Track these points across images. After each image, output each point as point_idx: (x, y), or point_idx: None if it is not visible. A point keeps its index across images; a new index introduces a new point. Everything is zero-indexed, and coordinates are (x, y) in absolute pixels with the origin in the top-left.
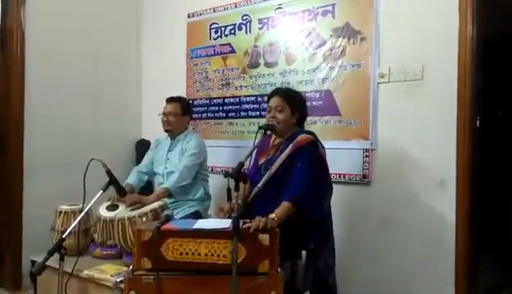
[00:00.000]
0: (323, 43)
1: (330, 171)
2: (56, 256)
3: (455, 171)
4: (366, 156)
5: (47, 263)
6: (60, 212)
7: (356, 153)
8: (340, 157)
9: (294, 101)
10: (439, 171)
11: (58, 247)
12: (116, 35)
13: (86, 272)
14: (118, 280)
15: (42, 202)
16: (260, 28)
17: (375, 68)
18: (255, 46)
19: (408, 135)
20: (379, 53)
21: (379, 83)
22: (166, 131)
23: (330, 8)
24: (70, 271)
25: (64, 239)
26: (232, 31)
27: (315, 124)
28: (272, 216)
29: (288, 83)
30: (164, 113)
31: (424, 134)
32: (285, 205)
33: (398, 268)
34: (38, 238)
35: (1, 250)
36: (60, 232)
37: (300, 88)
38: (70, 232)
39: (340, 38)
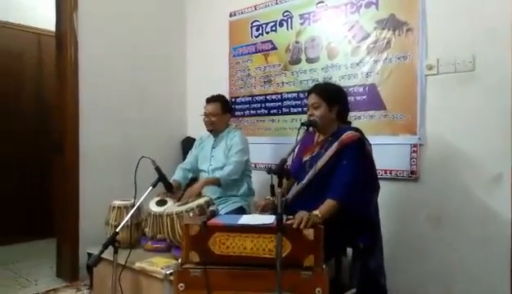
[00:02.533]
0: (367, 36)
1: (377, 167)
2: (111, 248)
3: None
4: (414, 151)
5: (102, 255)
6: (114, 207)
7: (403, 149)
8: (386, 152)
9: (330, 96)
10: (495, 165)
11: (112, 241)
12: (162, 36)
13: (138, 264)
14: (167, 273)
15: (96, 198)
16: (301, 24)
17: (422, 59)
18: (296, 42)
19: (460, 128)
20: (427, 44)
21: (427, 75)
22: (209, 130)
23: (373, 0)
24: (123, 263)
25: (117, 233)
26: (273, 28)
27: (359, 119)
28: (316, 212)
29: (330, 78)
30: (206, 114)
31: (477, 126)
32: (329, 202)
33: (448, 266)
34: (94, 231)
35: (59, 243)
36: (113, 226)
37: (343, 83)
38: (123, 226)
39: (385, 30)
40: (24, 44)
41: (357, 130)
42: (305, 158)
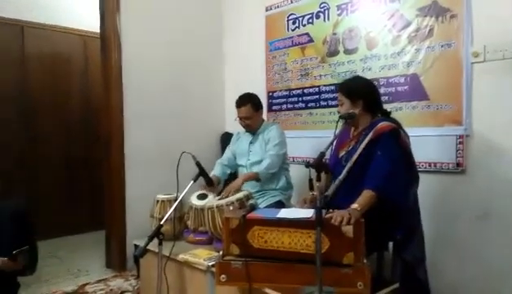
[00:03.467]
0: (408, 24)
1: (419, 160)
2: (155, 240)
3: None
4: (460, 142)
5: (147, 247)
6: (158, 201)
7: (448, 140)
8: (430, 144)
9: (351, 91)
10: None
11: (157, 233)
12: (200, 34)
13: (181, 256)
14: (210, 264)
15: (141, 192)
16: (339, 15)
17: (467, 47)
18: (334, 34)
19: (509, 119)
20: (472, 31)
21: (472, 63)
22: (248, 131)
23: None
24: (168, 255)
25: (162, 226)
26: (310, 20)
27: (400, 110)
28: (355, 205)
29: (369, 69)
30: (241, 118)
31: None
32: (366, 193)
33: (495, 265)
34: (140, 224)
35: (108, 235)
36: (158, 219)
37: (383, 74)
38: (167, 219)
39: (427, 18)
40: (71, 46)
41: (393, 120)
42: (341, 154)
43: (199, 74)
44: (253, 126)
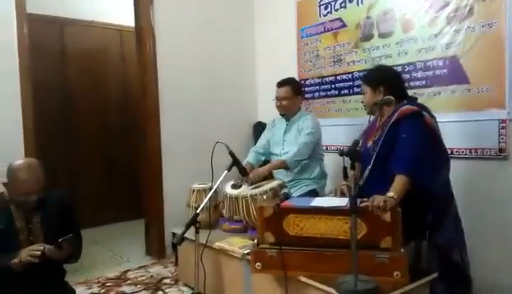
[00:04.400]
0: (446, 5)
1: (460, 146)
2: (192, 229)
3: None
4: (503, 127)
5: (185, 235)
6: (194, 190)
7: (490, 125)
8: (471, 129)
9: (371, 79)
10: None
11: (193, 221)
12: (231, 23)
13: (217, 244)
14: (245, 252)
15: (177, 181)
16: None
17: (510, 27)
18: (368, 18)
19: None
20: None
21: None
22: (281, 114)
23: None
24: (204, 243)
25: (198, 214)
26: (343, 4)
27: (439, 95)
28: (390, 193)
29: (406, 53)
30: (277, 98)
31: None
32: (399, 179)
33: None
34: (176, 213)
35: (147, 224)
36: (194, 208)
37: (420, 57)
38: (203, 208)
39: None
40: (108, 41)
41: (417, 105)
42: (369, 144)
43: (230, 64)
44: (288, 110)
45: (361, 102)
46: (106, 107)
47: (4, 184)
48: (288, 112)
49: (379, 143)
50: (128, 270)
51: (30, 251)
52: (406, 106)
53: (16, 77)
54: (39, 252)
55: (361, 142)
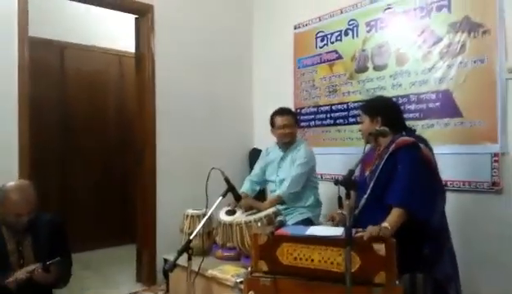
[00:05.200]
0: (439, 40)
1: (452, 178)
2: (185, 255)
3: None
4: (495, 161)
5: (176, 261)
6: (187, 216)
7: (482, 158)
8: (464, 162)
9: (369, 108)
10: None
11: (186, 248)
12: (230, 51)
13: (210, 271)
14: (238, 281)
15: (171, 206)
16: (368, 31)
17: (501, 62)
18: (363, 50)
19: None
20: (506, 46)
21: (507, 79)
22: (285, 142)
23: (445, 2)
24: (197, 270)
25: (191, 241)
26: (339, 37)
27: (432, 127)
28: (385, 224)
29: (399, 86)
30: (284, 126)
31: None
32: (395, 211)
33: None
34: (169, 238)
35: (139, 249)
36: (187, 234)
37: (413, 90)
38: (196, 234)
39: (459, 33)
40: (108, 65)
41: (414, 136)
42: (366, 173)
43: (228, 90)
44: (292, 139)
45: (359, 131)
46: (104, 129)
47: None
48: (292, 140)
49: (376, 172)
50: None
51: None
52: (403, 138)
53: (15, 98)
54: (32, 269)
55: (357, 171)
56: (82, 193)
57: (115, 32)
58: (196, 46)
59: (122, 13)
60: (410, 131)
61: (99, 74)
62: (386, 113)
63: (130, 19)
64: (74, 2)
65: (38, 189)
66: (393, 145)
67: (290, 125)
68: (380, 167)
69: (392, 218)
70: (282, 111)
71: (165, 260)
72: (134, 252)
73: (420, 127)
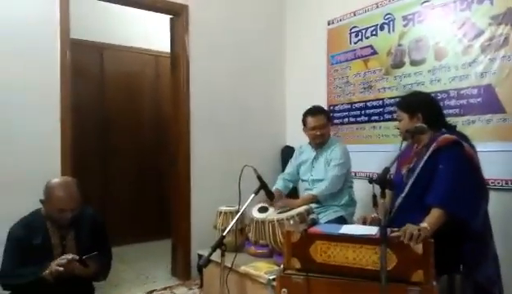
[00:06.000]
0: (480, 33)
1: (494, 177)
2: (218, 251)
3: None
4: None
5: (210, 257)
6: (221, 213)
7: None
8: (507, 160)
9: (408, 105)
10: None
11: (220, 244)
12: (262, 49)
13: (243, 268)
14: (270, 278)
15: (205, 203)
16: (405, 26)
17: None
18: (399, 45)
19: None
20: None
21: None
22: (317, 143)
23: None
24: (230, 266)
25: (224, 237)
26: (374, 32)
27: (473, 124)
28: (424, 224)
29: (438, 81)
30: (315, 128)
31: None
32: (435, 212)
33: None
34: (203, 234)
35: (174, 244)
36: (220, 230)
37: (453, 85)
38: (229, 231)
39: (501, 26)
40: (144, 65)
41: (456, 133)
42: (403, 171)
43: (261, 88)
44: (325, 139)
45: (397, 128)
46: (140, 129)
47: (41, 201)
48: (324, 140)
49: (414, 171)
50: (154, 290)
51: (59, 261)
52: (445, 135)
53: (57, 99)
54: (65, 260)
55: (393, 168)
56: (120, 191)
57: (152, 32)
58: (229, 46)
59: (158, 13)
60: (451, 128)
61: (136, 75)
62: (426, 109)
63: (166, 19)
64: (111, 4)
65: (80, 184)
66: (435, 144)
67: (322, 126)
68: (421, 165)
69: (432, 219)
70: (314, 111)
71: (199, 256)
72: (169, 247)
73: (461, 124)
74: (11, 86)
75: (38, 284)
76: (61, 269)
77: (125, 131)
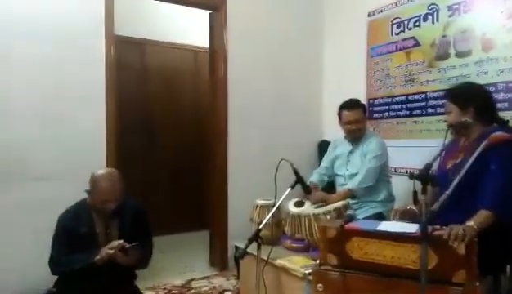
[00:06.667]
0: None
1: None
2: (254, 243)
3: None
4: None
5: (247, 249)
6: (257, 206)
7: None
8: None
9: (460, 98)
10: None
11: (256, 237)
12: (300, 43)
13: (279, 261)
14: (306, 272)
15: (242, 196)
16: (450, 16)
17: None
18: (444, 36)
19: None
20: None
21: None
22: (353, 138)
23: None
24: (266, 258)
25: (260, 230)
26: (417, 23)
27: None
28: (470, 223)
29: (485, 73)
30: (350, 122)
31: None
32: (482, 213)
33: None
34: (240, 226)
35: (212, 235)
36: (256, 223)
37: (501, 78)
38: (265, 224)
39: None
40: (184, 61)
41: (510, 131)
42: (448, 166)
43: (297, 82)
44: (361, 134)
45: (445, 121)
46: (179, 123)
47: (87, 192)
48: (360, 135)
49: (461, 167)
50: (193, 279)
51: (110, 245)
52: (498, 133)
53: (102, 96)
54: (116, 244)
55: (436, 164)
56: (160, 183)
57: (191, 28)
58: (267, 40)
59: (197, 9)
60: (503, 124)
61: (176, 70)
62: (479, 102)
63: (205, 14)
64: (152, 0)
65: (122, 176)
66: (486, 141)
67: (358, 120)
68: (470, 163)
69: (479, 219)
70: (349, 104)
71: (236, 248)
72: (207, 238)
73: (510, 119)
74: (62, 82)
75: (85, 270)
76: (112, 251)
77: (165, 126)
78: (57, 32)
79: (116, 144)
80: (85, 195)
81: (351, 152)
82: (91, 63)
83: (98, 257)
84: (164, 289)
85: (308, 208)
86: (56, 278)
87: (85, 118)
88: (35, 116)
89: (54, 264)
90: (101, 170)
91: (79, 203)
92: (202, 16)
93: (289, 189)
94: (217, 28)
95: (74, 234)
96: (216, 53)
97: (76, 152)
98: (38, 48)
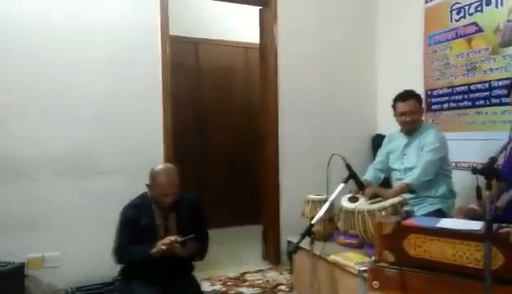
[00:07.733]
0: None
1: None
2: (307, 239)
3: None
4: None
5: (299, 244)
6: (309, 201)
7: None
8: None
9: None
10: None
11: (308, 232)
12: (351, 32)
13: (332, 257)
14: (361, 269)
15: (293, 191)
16: None
17: None
18: (509, 21)
19: None
20: None
21: None
22: (408, 130)
23: None
24: (319, 254)
25: (313, 225)
26: (479, 8)
27: None
28: None
29: None
30: (404, 113)
31: None
32: None
33: None
34: (292, 221)
35: (265, 229)
36: (308, 218)
37: None
38: (317, 219)
39: None
40: (235, 57)
41: None
42: None
43: (350, 74)
44: (416, 126)
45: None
46: (232, 119)
47: (147, 185)
48: (415, 127)
49: None
50: (247, 272)
51: (164, 241)
52: None
53: (159, 95)
54: (169, 240)
55: (502, 157)
56: (214, 178)
57: (241, 25)
58: (317, 34)
59: (247, 5)
60: None
61: (227, 67)
62: None
63: (255, 11)
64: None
65: (180, 173)
66: None
67: (413, 111)
68: None
69: None
70: (404, 95)
71: (289, 242)
72: (260, 232)
73: None
74: (122, 85)
75: (146, 261)
76: (164, 247)
77: (218, 122)
78: (118, 33)
79: (173, 141)
80: (146, 189)
81: (406, 145)
82: (148, 62)
83: (154, 250)
84: (219, 280)
85: (362, 204)
86: (120, 267)
87: (144, 116)
88: (100, 117)
89: (117, 254)
90: (160, 165)
91: (141, 196)
92: (253, 12)
93: (342, 184)
94: (267, 24)
95: (135, 226)
96: (266, 48)
97: (136, 149)
98: (100, 52)
